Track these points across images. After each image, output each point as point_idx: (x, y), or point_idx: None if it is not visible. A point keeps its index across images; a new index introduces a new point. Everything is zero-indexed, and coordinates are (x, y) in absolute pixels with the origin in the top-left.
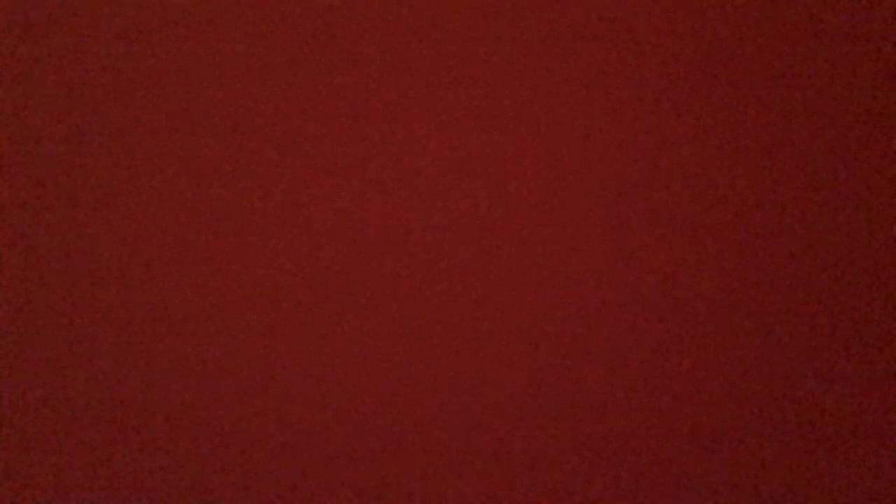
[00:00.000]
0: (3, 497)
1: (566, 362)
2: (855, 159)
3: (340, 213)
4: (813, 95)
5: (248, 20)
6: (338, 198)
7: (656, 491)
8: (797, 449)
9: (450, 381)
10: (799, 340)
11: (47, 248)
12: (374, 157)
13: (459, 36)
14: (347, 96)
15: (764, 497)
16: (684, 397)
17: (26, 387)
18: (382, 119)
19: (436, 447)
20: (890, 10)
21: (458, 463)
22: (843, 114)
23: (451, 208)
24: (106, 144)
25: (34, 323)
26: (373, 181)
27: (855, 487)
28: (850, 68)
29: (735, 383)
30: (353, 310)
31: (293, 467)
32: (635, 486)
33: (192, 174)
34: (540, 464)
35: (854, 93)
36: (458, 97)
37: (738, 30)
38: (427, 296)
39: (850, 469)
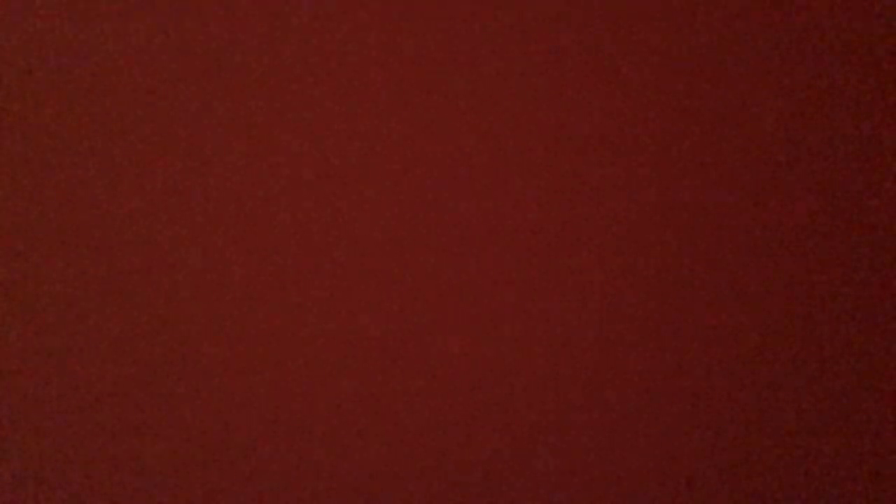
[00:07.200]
0: (3, 496)
1: (565, 363)
2: (856, 160)
3: (339, 212)
4: (813, 95)
5: (248, 20)
6: (336, 198)
7: (657, 492)
8: (796, 449)
9: (449, 381)
10: (798, 342)
11: (47, 248)
12: (373, 157)
13: (459, 35)
14: (346, 96)
15: (764, 498)
16: (684, 398)
17: (26, 387)
18: (381, 119)
19: (432, 447)
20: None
21: (454, 463)
22: (843, 113)
23: (449, 209)
24: (105, 143)
25: (34, 323)
26: (371, 181)
27: (855, 487)
28: (849, 68)
29: (735, 384)
30: (352, 309)
31: (289, 467)
32: (636, 488)
33: (189, 174)
34: (536, 463)
35: (854, 93)
36: (456, 97)
37: (737, 29)
38: (425, 296)
39: (849, 469)
